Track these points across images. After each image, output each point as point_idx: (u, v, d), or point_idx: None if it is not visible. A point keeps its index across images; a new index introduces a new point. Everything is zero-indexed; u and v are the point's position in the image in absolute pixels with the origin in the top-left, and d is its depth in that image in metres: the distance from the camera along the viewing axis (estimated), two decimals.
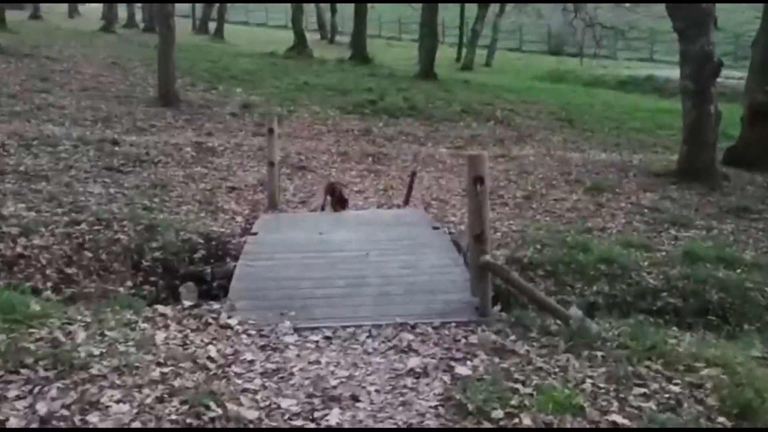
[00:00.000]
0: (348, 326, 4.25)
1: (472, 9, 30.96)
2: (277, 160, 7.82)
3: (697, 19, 10.37)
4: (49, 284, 5.58)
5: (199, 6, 40.17)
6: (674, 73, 11.51)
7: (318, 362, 3.78)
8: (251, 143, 11.75)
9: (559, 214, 8.63)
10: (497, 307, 4.87)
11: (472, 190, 4.31)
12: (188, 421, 3.06)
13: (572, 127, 15.41)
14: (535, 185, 9.97)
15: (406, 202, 8.57)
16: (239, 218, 7.45)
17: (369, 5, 27.42)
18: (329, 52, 28.93)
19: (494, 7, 31.03)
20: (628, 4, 32.91)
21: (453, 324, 4.30)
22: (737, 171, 11.04)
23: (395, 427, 3.19)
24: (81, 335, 3.80)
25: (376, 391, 3.46)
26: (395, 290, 4.84)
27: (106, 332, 3.90)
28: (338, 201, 7.86)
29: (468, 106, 16.72)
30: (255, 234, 6.27)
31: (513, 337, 4.17)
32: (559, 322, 4.32)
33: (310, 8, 42.02)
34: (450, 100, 17.56)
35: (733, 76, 18.11)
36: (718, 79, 10.74)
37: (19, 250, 5.86)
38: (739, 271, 6.66)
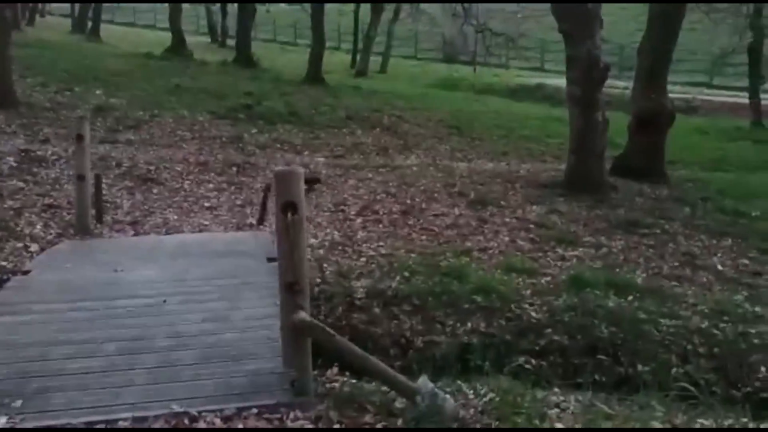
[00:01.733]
0: (96, 422, 2.87)
1: (367, 15, 30.03)
2: (88, 172, 6.28)
3: (583, 20, 9.75)
4: None
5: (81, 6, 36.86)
6: (564, 82, 11.03)
7: None
8: (95, 151, 10.04)
9: (438, 231, 7.67)
10: (333, 369, 3.69)
11: (281, 222, 3.05)
12: None
13: (461, 135, 14.67)
14: (415, 198, 8.98)
15: (261, 221, 7.30)
16: (35, 246, 5.87)
17: (259, 6, 25.90)
18: (217, 55, 27.08)
19: (388, 13, 30.24)
20: (519, 15, 33.31)
21: (254, 410, 3.02)
22: (625, 181, 10.55)
23: None
24: None
25: None
26: (185, 357, 3.48)
27: None
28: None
29: (354, 113, 15.66)
30: (26, 273, 4.72)
31: (338, 426, 2.98)
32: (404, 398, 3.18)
33: (201, 10, 39.77)
34: (336, 106, 16.41)
35: (618, 86, 18.09)
36: (604, 88, 10.19)
37: None
38: (630, 298, 5.89)
